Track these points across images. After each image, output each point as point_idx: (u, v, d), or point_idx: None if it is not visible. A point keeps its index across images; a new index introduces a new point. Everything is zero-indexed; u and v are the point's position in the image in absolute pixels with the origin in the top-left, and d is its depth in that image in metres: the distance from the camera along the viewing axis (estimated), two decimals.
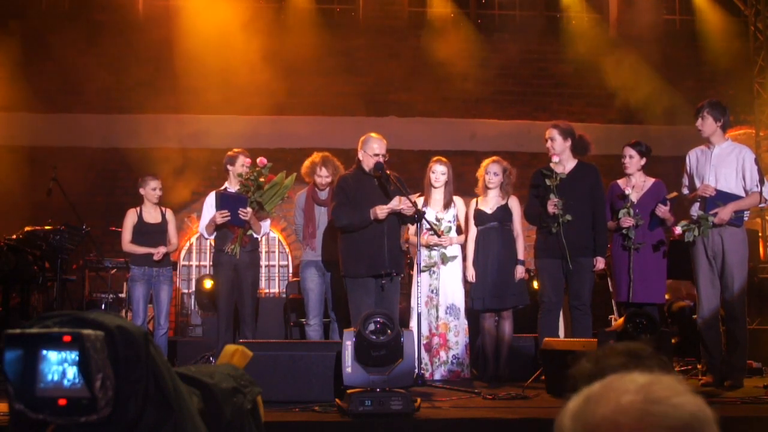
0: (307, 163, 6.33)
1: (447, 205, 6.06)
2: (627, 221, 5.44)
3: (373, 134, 5.49)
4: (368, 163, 5.40)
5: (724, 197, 5.17)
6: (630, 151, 5.65)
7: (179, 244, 6.90)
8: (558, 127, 5.66)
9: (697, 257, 5.29)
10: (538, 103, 9.86)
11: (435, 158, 6.17)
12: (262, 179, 5.80)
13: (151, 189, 6.40)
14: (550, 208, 5.38)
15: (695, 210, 5.33)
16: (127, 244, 6.37)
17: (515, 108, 9.82)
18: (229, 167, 6.10)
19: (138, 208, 6.46)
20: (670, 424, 0.95)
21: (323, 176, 6.20)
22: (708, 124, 5.31)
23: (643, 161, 5.65)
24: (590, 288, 5.52)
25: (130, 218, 6.42)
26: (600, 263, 5.52)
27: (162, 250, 6.26)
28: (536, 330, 5.64)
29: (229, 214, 5.73)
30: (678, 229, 5.29)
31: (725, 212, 5.12)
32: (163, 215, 6.49)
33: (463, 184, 7.01)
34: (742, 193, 5.24)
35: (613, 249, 5.63)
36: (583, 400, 1.00)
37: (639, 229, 5.45)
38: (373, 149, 5.39)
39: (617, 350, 1.48)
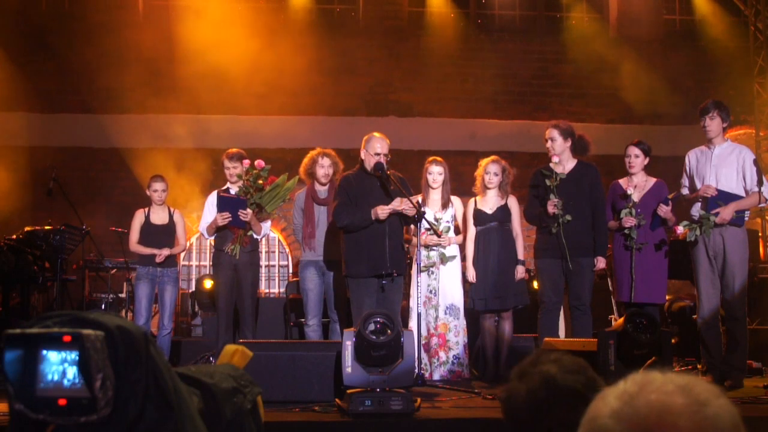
0: (306, 160, 6.29)
1: (445, 205, 6.05)
2: (629, 221, 5.44)
3: (375, 134, 5.48)
4: (370, 163, 5.39)
5: (725, 197, 5.17)
6: (635, 151, 5.64)
7: (185, 244, 6.91)
8: (558, 127, 5.65)
9: (698, 257, 5.29)
10: (538, 103, 9.86)
11: (431, 159, 6.16)
12: (260, 181, 5.80)
13: (153, 191, 6.42)
14: (550, 209, 5.38)
15: (696, 210, 5.33)
16: (134, 245, 6.40)
17: (515, 108, 9.82)
18: (226, 167, 6.10)
19: (146, 209, 6.48)
20: (722, 425, 0.96)
21: (325, 166, 6.14)
22: (716, 124, 5.31)
23: (647, 161, 5.65)
24: (590, 288, 5.52)
25: (138, 219, 6.45)
26: (600, 263, 5.52)
27: (165, 252, 6.27)
28: (536, 330, 5.64)
29: (229, 215, 5.74)
30: (680, 228, 5.29)
31: (727, 212, 5.12)
32: (171, 216, 6.50)
33: (463, 184, 7.01)
34: (743, 194, 5.24)
35: (615, 249, 5.63)
36: (623, 400, 0.99)
37: (641, 229, 5.45)
38: (374, 148, 5.38)
39: (550, 360, 1.50)
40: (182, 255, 9.24)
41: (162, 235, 6.39)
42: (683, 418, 0.95)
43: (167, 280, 6.34)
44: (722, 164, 5.30)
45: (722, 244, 5.19)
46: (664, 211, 5.40)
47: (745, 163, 5.25)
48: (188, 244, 9.35)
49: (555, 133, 5.60)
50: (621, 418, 0.97)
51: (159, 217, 6.46)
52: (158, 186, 6.43)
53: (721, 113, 5.29)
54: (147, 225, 6.41)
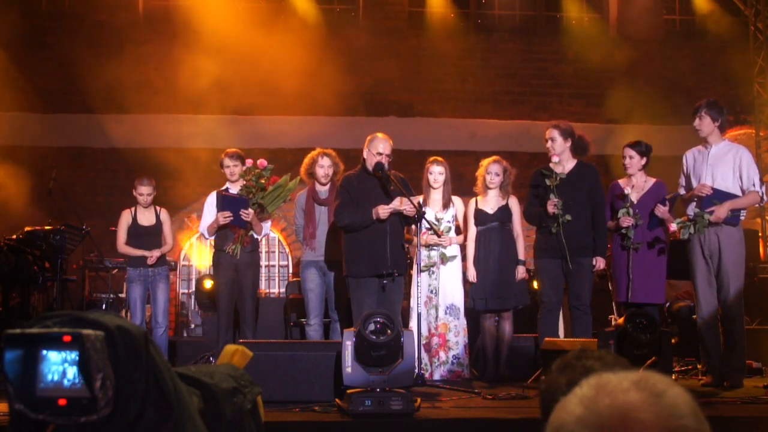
0: (306, 160, 6.30)
1: (446, 205, 6.06)
2: (626, 221, 5.44)
3: (379, 134, 5.48)
4: (371, 162, 5.40)
5: (721, 196, 5.17)
6: (630, 152, 5.64)
7: (176, 244, 6.91)
8: (558, 127, 5.65)
9: (694, 257, 5.28)
10: (538, 103, 9.86)
11: (432, 159, 6.17)
12: (263, 181, 5.80)
13: (139, 194, 6.43)
14: (550, 209, 5.38)
15: (692, 209, 5.32)
16: (122, 246, 6.40)
17: (515, 108, 9.82)
18: (226, 165, 6.10)
19: (132, 210, 6.48)
20: (681, 411, 0.98)
21: (324, 166, 6.14)
22: (706, 124, 5.31)
23: (644, 161, 5.65)
24: (590, 288, 5.52)
25: (125, 219, 6.45)
26: (600, 263, 5.52)
27: (156, 254, 6.28)
28: (536, 330, 5.64)
29: (231, 215, 5.74)
30: (674, 226, 5.27)
31: (722, 210, 5.12)
32: (158, 216, 6.50)
33: (463, 184, 7.01)
34: (739, 193, 5.23)
35: (613, 249, 5.63)
36: (585, 405, 1.01)
37: (638, 229, 5.45)
38: (376, 148, 5.38)
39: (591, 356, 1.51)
40: (182, 255, 9.25)
41: (150, 236, 6.40)
42: (644, 412, 0.97)
43: (159, 278, 6.37)
44: (718, 163, 5.29)
45: (717, 244, 5.18)
46: (662, 211, 5.40)
47: (742, 162, 5.25)
48: (188, 244, 9.36)
49: (555, 133, 5.60)
50: (586, 423, 0.99)
51: (146, 218, 6.47)
52: (143, 189, 6.43)
53: (710, 112, 5.28)
54: (135, 227, 6.41)
